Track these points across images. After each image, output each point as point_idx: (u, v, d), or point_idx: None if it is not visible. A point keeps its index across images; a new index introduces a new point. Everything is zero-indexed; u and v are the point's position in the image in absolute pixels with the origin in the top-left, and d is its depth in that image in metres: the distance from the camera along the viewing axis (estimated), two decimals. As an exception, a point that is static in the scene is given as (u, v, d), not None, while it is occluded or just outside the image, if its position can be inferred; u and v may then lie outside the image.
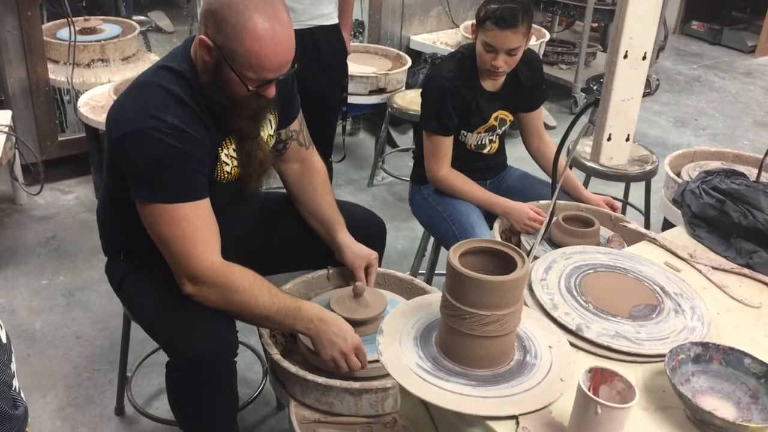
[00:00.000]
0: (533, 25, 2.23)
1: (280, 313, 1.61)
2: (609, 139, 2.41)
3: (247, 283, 1.60)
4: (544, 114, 4.46)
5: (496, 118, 2.30)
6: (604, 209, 2.21)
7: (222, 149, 1.68)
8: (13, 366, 1.01)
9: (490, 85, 2.25)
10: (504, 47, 2.08)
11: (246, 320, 1.66)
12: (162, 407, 2.23)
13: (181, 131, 1.53)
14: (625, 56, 2.26)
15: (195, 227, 1.57)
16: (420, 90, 2.36)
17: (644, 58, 2.26)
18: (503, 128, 2.36)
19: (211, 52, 1.53)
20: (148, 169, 1.55)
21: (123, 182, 1.61)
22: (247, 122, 1.66)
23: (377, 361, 1.56)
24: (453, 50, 2.49)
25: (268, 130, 1.78)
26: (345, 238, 1.88)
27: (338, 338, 1.60)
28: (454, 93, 2.18)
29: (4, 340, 0.99)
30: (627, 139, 2.47)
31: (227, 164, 1.70)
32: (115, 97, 3.02)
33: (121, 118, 1.58)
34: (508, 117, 2.34)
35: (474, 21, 2.16)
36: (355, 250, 1.86)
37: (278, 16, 1.50)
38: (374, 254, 1.87)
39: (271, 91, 1.59)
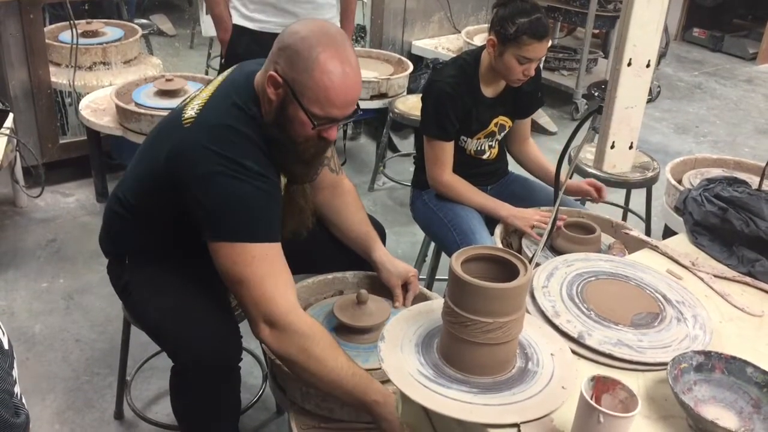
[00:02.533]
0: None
1: (354, 379, 1.50)
2: (612, 146, 2.40)
3: (329, 341, 1.53)
4: (545, 120, 4.49)
5: (496, 124, 2.30)
6: (588, 190, 2.23)
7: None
8: (15, 373, 1.00)
9: (490, 91, 2.25)
10: (540, 56, 2.12)
11: (318, 380, 1.52)
12: (161, 411, 2.23)
13: (260, 175, 1.53)
14: (629, 64, 2.25)
15: (275, 268, 1.53)
16: (421, 95, 2.36)
17: (648, 65, 2.26)
18: (503, 134, 2.36)
19: (278, 89, 1.52)
20: (231, 209, 1.51)
21: (154, 204, 1.61)
22: (302, 167, 1.65)
23: (379, 368, 1.56)
24: (455, 55, 2.49)
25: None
26: (381, 256, 1.87)
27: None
28: (455, 98, 2.18)
29: (6, 347, 0.99)
30: (630, 147, 2.46)
31: None
32: (116, 101, 3.04)
33: (194, 157, 1.53)
34: (508, 123, 2.35)
35: (491, 36, 2.14)
36: (390, 269, 1.84)
37: (349, 57, 1.51)
38: (412, 271, 1.85)
39: (333, 134, 1.59)
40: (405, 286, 1.86)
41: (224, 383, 1.65)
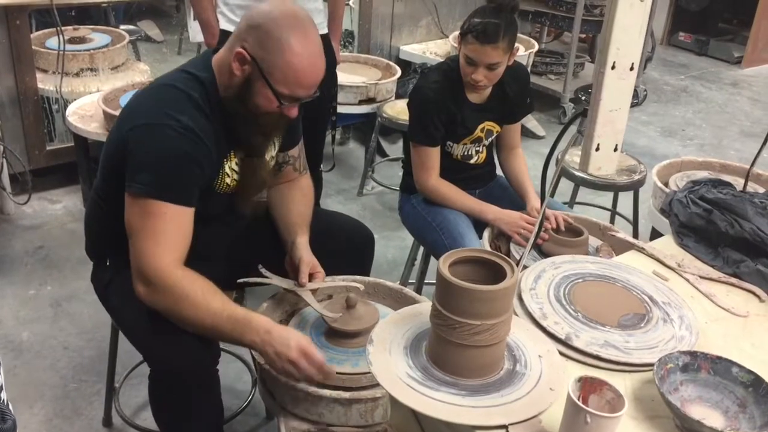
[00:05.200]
0: (522, 35, 2.24)
1: (229, 322, 1.54)
2: (597, 149, 2.43)
3: (200, 291, 1.55)
4: (532, 124, 4.51)
5: (482, 130, 2.30)
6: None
7: (227, 161, 1.70)
8: (1, 378, 1.00)
9: (475, 97, 2.25)
10: (483, 62, 2.09)
11: (195, 328, 1.57)
12: (150, 418, 2.20)
13: (193, 134, 1.56)
14: (613, 67, 2.28)
15: (167, 229, 1.56)
16: (407, 101, 2.36)
17: (632, 68, 2.29)
18: (490, 139, 2.37)
19: (245, 65, 1.57)
20: (149, 161, 1.55)
21: (118, 182, 1.61)
22: (260, 138, 1.70)
23: (368, 372, 1.56)
24: (442, 60, 2.50)
25: (271, 152, 1.80)
26: (304, 241, 1.84)
27: (283, 347, 1.52)
28: (439, 103, 2.19)
29: (-8, 352, 0.99)
30: (615, 149, 2.49)
31: (229, 176, 1.72)
32: (104, 107, 3.03)
33: (136, 112, 1.62)
34: (495, 128, 2.35)
35: (459, 32, 2.17)
36: (306, 255, 1.81)
37: (315, 41, 1.59)
38: (322, 272, 1.82)
39: (295, 111, 1.65)
40: (312, 276, 1.81)
41: (201, 389, 1.64)
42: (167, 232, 1.56)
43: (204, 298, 1.55)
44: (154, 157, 1.55)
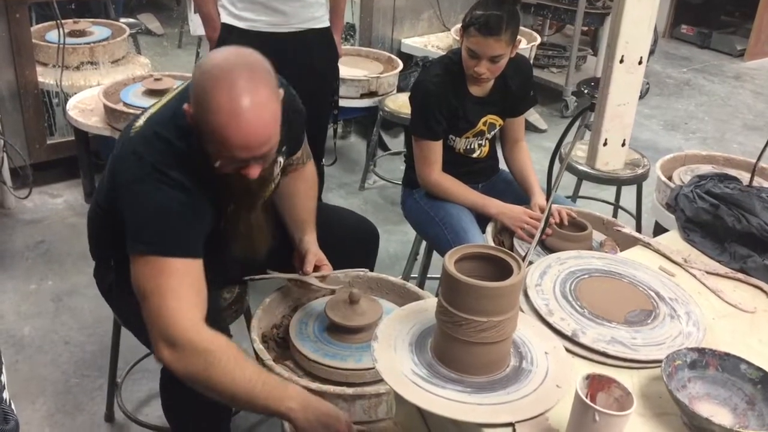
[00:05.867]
0: (524, 28, 2.23)
1: (266, 388, 1.42)
2: (605, 144, 2.42)
3: (233, 356, 1.43)
4: (534, 118, 4.49)
5: (484, 123, 2.29)
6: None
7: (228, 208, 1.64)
8: (3, 378, 0.99)
9: (477, 90, 2.24)
10: (486, 54, 2.08)
11: (227, 396, 1.44)
12: (152, 413, 2.21)
13: (185, 188, 1.48)
14: (621, 61, 2.26)
15: (182, 284, 1.45)
16: (409, 95, 2.35)
17: (640, 62, 2.27)
18: (492, 132, 2.35)
19: (192, 121, 1.46)
20: (147, 219, 1.48)
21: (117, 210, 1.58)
22: (242, 195, 1.59)
23: (372, 368, 1.55)
24: (444, 53, 2.48)
25: (263, 199, 1.73)
26: (311, 238, 1.82)
27: (332, 419, 1.41)
28: (440, 97, 2.17)
29: (-7, 351, 0.98)
30: (623, 144, 2.48)
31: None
32: (104, 100, 3.01)
33: (129, 165, 1.52)
34: (498, 121, 2.33)
35: (461, 25, 2.16)
36: (313, 248, 1.80)
37: (255, 92, 1.39)
38: (328, 265, 1.80)
39: (253, 172, 1.47)
40: (317, 267, 1.79)
41: None
42: (183, 288, 1.45)
43: (237, 364, 1.42)
44: (152, 214, 1.47)
